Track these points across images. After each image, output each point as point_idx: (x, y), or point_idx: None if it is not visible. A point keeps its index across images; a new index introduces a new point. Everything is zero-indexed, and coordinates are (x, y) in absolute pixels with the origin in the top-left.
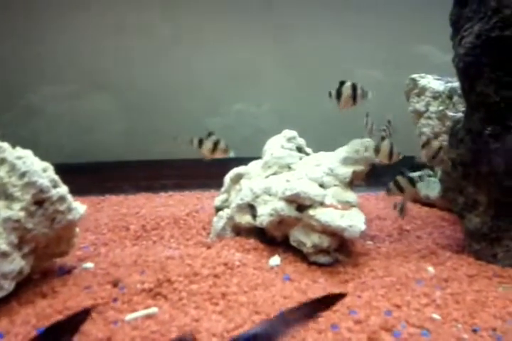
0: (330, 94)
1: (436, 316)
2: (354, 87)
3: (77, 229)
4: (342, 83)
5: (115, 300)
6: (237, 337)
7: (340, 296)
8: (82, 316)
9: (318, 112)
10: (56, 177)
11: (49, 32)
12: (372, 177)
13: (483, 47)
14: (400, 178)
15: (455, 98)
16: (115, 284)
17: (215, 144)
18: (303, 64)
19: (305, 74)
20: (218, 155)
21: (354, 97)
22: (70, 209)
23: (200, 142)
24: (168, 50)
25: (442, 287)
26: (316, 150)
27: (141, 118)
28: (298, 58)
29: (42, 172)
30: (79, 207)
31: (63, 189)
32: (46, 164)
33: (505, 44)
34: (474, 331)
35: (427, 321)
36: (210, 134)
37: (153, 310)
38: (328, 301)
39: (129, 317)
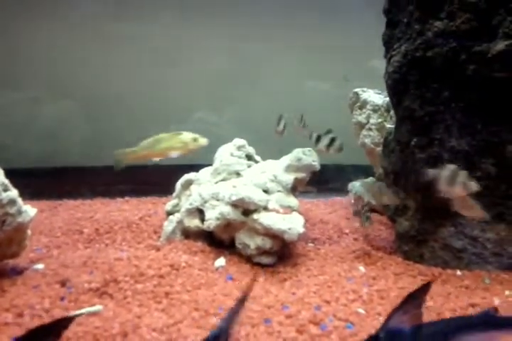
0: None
1: (361, 310)
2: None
3: (29, 232)
4: (328, 131)
5: (62, 298)
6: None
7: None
8: (65, 322)
9: (276, 121)
10: (6, 181)
11: (11, 38)
12: (322, 184)
13: (409, 66)
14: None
15: (392, 111)
16: (63, 284)
17: (332, 141)
18: (261, 74)
19: (262, 84)
20: (333, 151)
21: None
22: (20, 212)
23: (318, 138)
24: (130, 58)
25: (370, 284)
26: (275, 158)
27: (101, 124)
28: (257, 68)
29: None
30: (29, 210)
31: (13, 192)
32: None
33: (427, 63)
34: None
35: (353, 315)
36: (328, 132)
37: (98, 307)
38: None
39: (74, 314)
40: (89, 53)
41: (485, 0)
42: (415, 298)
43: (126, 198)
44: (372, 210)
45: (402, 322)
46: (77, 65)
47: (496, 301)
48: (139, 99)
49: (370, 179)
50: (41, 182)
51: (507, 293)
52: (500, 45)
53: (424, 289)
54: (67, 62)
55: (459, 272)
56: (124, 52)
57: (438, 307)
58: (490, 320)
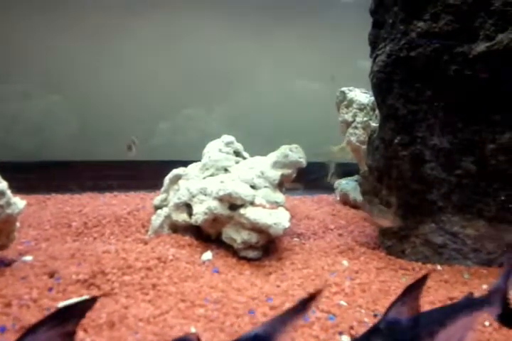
0: None
1: (343, 303)
2: None
3: (18, 224)
4: None
5: (50, 289)
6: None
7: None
8: (88, 303)
9: (264, 118)
10: None
11: (0, 33)
12: (310, 181)
13: (394, 66)
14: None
15: (377, 110)
16: (51, 275)
17: None
18: (250, 72)
19: (251, 82)
20: None
21: None
22: (9, 204)
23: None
24: (119, 54)
25: (352, 278)
26: (262, 154)
27: (91, 119)
28: (246, 66)
29: None
30: (18, 202)
31: (2, 184)
32: None
33: (411, 63)
34: (375, 315)
35: (335, 307)
36: None
37: (86, 298)
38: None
39: (62, 304)
40: (79, 49)
41: (467, 3)
42: (413, 291)
43: (115, 193)
44: (357, 207)
45: (401, 314)
46: (66, 60)
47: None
48: (127, 95)
49: (355, 177)
50: (30, 176)
51: (484, 287)
52: (481, 47)
53: (421, 282)
54: (56, 57)
55: (439, 267)
56: (112, 49)
57: None
58: (471, 303)
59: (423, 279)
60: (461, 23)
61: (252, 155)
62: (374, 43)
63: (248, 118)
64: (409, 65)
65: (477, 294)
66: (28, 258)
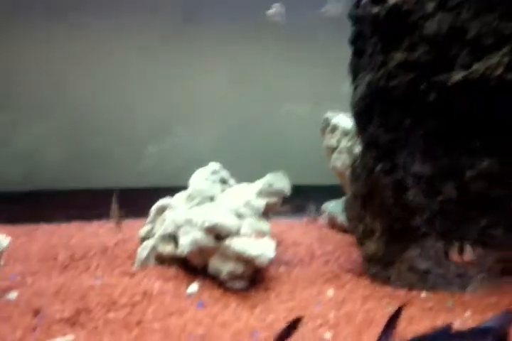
0: None
1: (327, 335)
2: None
3: (2, 262)
4: None
5: (34, 329)
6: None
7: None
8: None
9: (250, 143)
10: None
11: None
12: (297, 203)
13: (373, 95)
14: None
15: None
16: (36, 313)
17: None
18: (239, 95)
19: (240, 106)
20: None
21: None
22: None
23: None
24: (108, 80)
25: (337, 308)
26: (249, 179)
27: (79, 148)
28: (235, 90)
29: None
30: (2, 240)
31: None
32: None
33: (390, 92)
34: None
35: (318, 340)
36: None
37: (70, 337)
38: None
39: None
40: (67, 76)
41: (442, 33)
42: (393, 323)
43: (103, 221)
44: (344, 231)
45: None
46: (55, 89)
47: (456, 323)
48: (115, 122)
49: (343, 199)
50: (18, 206)
51: (467, 314)
52: (458, 76)
53: (396, 315)
54: (45, 85)
55: (423, 294)
56: (100, 76)
57: (401, 330)
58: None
59: (397, 312)
60: (438, 53)
61: (241, 177)
62: (354, 72)
63: (237, 141)
64: (389, 94)
65: (459, 322)
66: (13, 295)
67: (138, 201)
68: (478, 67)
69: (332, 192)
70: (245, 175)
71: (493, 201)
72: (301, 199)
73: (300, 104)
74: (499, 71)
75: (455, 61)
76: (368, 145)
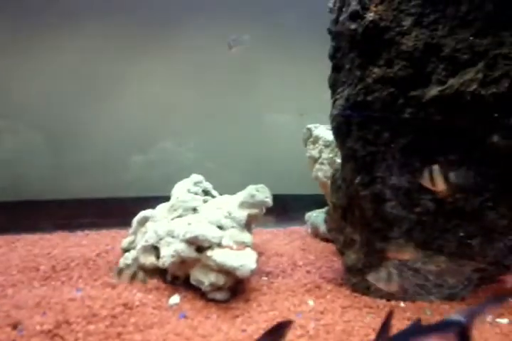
0: None
1: None
2: None
3: None
4: None
5: None
6: None
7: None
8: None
9: (238, 151)
10: None
11: None
12: (281, 213)
13: (352, 109)
14: None
15: None
16: (15, 326)
17: None
18: (223, 105)
19: (224, 115)
20: None
21: None
22: None
23: None
24: (93, 88)
25: (317, 318)
26: (235, 187)
27: (63, 157)
28: (218, 99)
29: None
30: None
31: None
32: None
33: (368, 107)
34: None
35: None
36: None
37: None
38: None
39: None
40: (53, 84)
41: (419, 49)
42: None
43: (86, 231)
44: (327, 240)
45: None
46: (38, 94)
47: None
48: (99, 130)
49: (325, 209)
50: (0, 215)
51: None
52: (434, 91)
53: (387, 321)
54: (28, 91)
55: (402, 304)
56: (84, 83)
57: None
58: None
59: (389, 316)
60: (415, 68)
61: (225, 187)
62: (333, 86)
63: (221, 151)
64: (367, 109)
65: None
66: None
67: (121, 210)
68: (453, 82)
69: (315, 201)
70: (228, 187)
71: (469, 212)
72: (283, 209)
73: (285, 113)
74: (473, 86)
75: (431, 76)
76: (347, 158)
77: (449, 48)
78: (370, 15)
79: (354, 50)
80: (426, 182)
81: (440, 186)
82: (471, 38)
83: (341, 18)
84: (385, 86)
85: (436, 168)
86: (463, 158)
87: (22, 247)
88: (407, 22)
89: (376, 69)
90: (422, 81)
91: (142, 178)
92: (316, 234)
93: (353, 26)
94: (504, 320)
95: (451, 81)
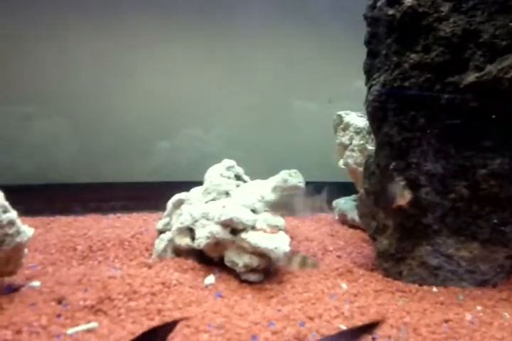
0: None
1: (343, 326)
2: None
3: (26, 250)
4: None
5: (59, 316)
6: None
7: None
8: (170, 326)
9: (262, 138)
10: (6, 204)
11: (2, 54)
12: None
13: (388, 95)
14: None
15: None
16: (59, 301)
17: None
18: (250, 91)
19: (251, 102)
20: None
21: None
22: (18, 233)
23: None
24: (120, 74)
25: (351, 301)
26: (262, 173)
27: (93, 141)
28: (246, 87)
29: None
30: (27, 230)
31: (13, 214)
32: None
33: (405, 93)
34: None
35: (335, 331)
36: None
37: (94, 324)
38: (368, 328)
39: (71, 331)
40: (81, 70)
41: (457, 35)
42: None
43: (118, 214)
44: (355, 227)
45: None
46: (69, 81)
47: (468, 316)
48: (127, 116)
49: (353, 196)
50: (33, 198)
51: (478, 308)
52: (471, 77)
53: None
54: (58, 78)
55: (435, 289)
56: (112, 70)
57: (414, 323)
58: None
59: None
60: (452, 54)
61: (251, 174)
62: (369, 72)
63: (248, 138)
64: (403, 95)
65: (471, 315)
66: (36, 283)
67: (151, 195)
68: (491, 69)
69: (343, 189)
70: (257, 171)
71: (503, 199)
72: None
73: (313, 101)
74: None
75: (469, 63)
76: (382, 144)
77: (487, 34)
78: (408, 1)
79: (391, 35)
80: (394, 196)
81: (407, 198)
82: (510, 24)
83: (379, 4)
84: (422, 72)
85: (403, 183)
86: (498, 145)
87: (58, 228)
88: (445, 8)
89: (413, 55)
90: (460, 67)
91: (169, 164)
92: (343, 221)
93: (390, 12)
94: None
95: (488, 67)
